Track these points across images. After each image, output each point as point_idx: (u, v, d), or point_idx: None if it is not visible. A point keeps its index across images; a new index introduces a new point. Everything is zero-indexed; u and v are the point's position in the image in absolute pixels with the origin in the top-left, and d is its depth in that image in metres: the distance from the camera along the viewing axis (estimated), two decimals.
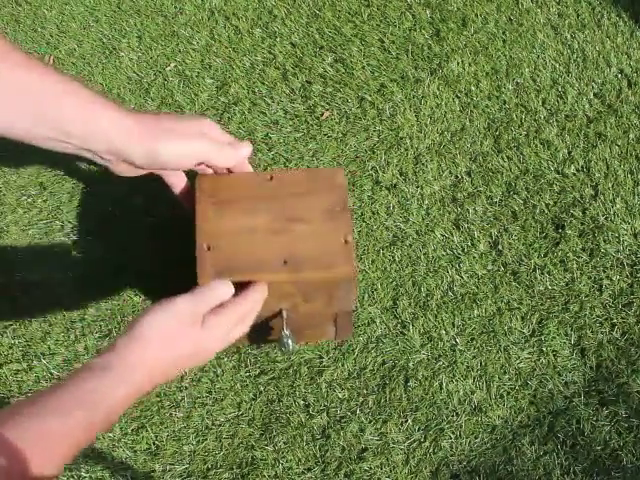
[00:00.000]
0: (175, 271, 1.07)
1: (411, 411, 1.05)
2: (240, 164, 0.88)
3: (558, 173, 1.20)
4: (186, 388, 1.07)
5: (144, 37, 1.34)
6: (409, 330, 1.09)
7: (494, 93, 1.27)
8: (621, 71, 1.29)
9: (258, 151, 1.22)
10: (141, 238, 1.16)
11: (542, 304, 1.11)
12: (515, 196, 1.18)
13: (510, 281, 1.12)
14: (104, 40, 1.34)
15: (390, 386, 1.06)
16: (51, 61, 1.31)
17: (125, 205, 1.19)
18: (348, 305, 0.94)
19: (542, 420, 1.04)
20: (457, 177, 1.20)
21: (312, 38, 1.33)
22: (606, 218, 1.16)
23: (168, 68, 1.31)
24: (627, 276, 1.12)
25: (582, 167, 1.20)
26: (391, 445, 1.03)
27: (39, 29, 1.35)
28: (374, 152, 1.22)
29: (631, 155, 1.21)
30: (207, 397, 1.06)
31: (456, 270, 1.13)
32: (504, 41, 1.32)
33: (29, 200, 1.20)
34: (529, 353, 1.08)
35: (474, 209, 1.17)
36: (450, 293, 1.12)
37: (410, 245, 1.15)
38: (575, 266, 1.13)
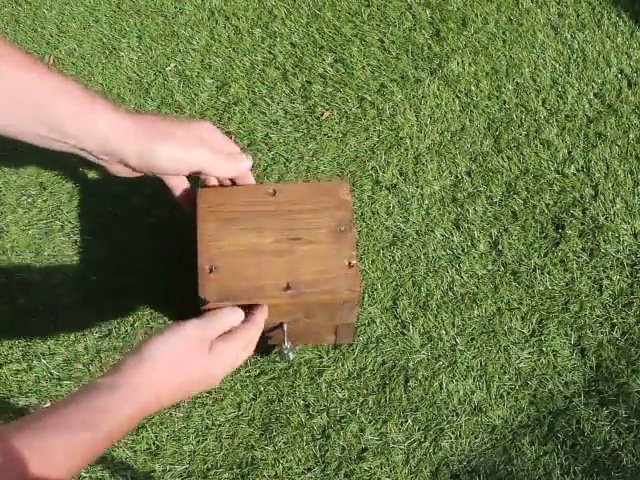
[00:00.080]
0: (175, 271, 1.08)
1: (411, 411, 1.05)
2: (242, 176, 0.87)
3: (558, 173, 1.20)
4: None
5: (144, 37, 1.34)
6: (409, 330, 1.09)
7: (494, 93, 1.27)
8: (621, 71, 1.29)
9: (258, 151, 1.22)
10: (141, 238, 1.16)
11: (542, 304, 1.11)
12: (515, 196, 1.18)
13: (510, 281, 1.12)
14: (104, 40, 1.34)
15: (390, 386, 1.06)
16: (51, 61, 1.31)
17: (125, 205, 1.19)
18: (350, 319, 0.93)
19: (542, 420, 1.04)
20: (457, 177, 1.20)
21: (312, 38, 1.33)
22: (606, 218, 1.16)
23: (168, 68, 1.31)
24: (627, 276, 1.12)
25: (582, 167, 1.20)
26: (391, 445, 1.03)
27: (39, 29, 1.35)
28: (374, 152, 1.22)
29: (631, 155, 1.21)
30: (207, 397, 1.06)
31: (456, 270, 1.13)
32: (504, 41, 1.32)
33: (29, 200, 1.20)
34: (529, 353, 1.08)
35: (474, 209, 1.17)
36: (450, 293, 1.12)
37: (410, 245, 1.15)
38: (575, 266, 1.13)
